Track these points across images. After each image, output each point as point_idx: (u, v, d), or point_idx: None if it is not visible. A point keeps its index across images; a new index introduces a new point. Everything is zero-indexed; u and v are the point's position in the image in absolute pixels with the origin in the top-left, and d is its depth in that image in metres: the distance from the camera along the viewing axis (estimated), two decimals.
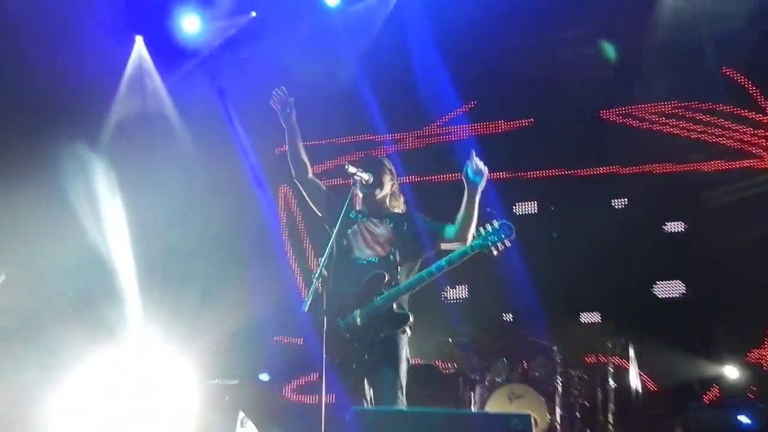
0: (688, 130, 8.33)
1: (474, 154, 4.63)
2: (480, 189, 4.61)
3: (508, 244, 4.55)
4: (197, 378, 6.69)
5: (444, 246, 4.79)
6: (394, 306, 4.61)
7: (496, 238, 4.53)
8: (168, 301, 7.74)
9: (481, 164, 4.60)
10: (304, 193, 5.03)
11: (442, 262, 4.58)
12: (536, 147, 8.65)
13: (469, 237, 4.64)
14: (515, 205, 8.71)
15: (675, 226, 8.29)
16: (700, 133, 8.29)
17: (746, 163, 8.09)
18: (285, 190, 9.38)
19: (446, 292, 8.67)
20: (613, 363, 7.46)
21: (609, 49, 8.36)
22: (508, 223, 4.55)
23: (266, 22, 8.68)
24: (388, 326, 4.61)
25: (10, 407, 5.42)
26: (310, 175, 5.03)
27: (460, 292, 8.80)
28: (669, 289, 8.20)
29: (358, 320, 4.58)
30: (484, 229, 4.56)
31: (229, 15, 8.75)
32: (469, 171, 4.61)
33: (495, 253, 4.55)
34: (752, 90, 8.20)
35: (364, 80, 8.50)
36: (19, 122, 7.58)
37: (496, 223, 4.55)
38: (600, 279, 7.95)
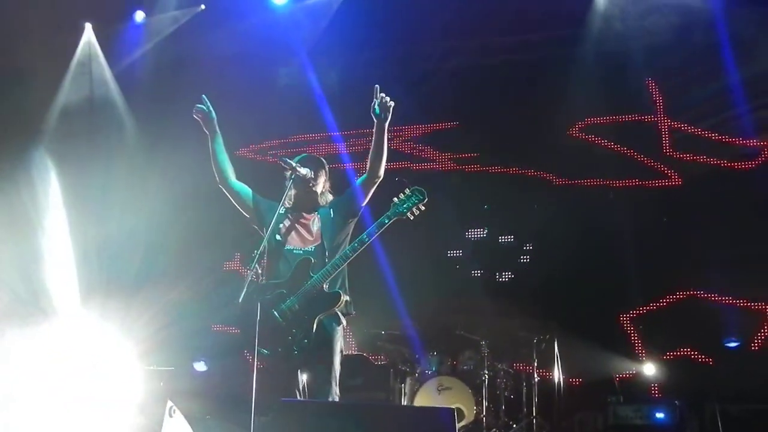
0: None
1: (378, 89, 4.84)
2: (386, 122, 4.87)
3: (422, 207, 4.76)
4: (132, 363, 6.71)
5: (369, 193, 4.98)
6: (325, 287, 4.76)
7: (410, 204, 4.75)
8: (104, 286, 7.73)
9: (387, 99, 4.84)
10: (229, 197, 5.13)
11: (363, 236, 4.76)
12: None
13: (381, 171, 4.92)
14: None
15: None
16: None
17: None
18: None
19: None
20: (538, 358, 7.74)
21: None
22: (420, 188, 4.78)
23: (214, 15, 8.69)
24: (321, 307, 4.74)
25: None
26: (233, 179, 5.11)
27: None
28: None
29: (295, 306, 4.71)
30: (398, 197, 4.76)
31: (177, 6, 8.72)
32: (376, 106, 4.85)
33: (411, 217, 4.77)
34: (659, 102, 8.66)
35: (312, 78, 8.61)
36: None
37: (408, 191, 4.77)
38: None
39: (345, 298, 4.80)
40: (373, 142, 4.95)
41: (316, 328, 4.71)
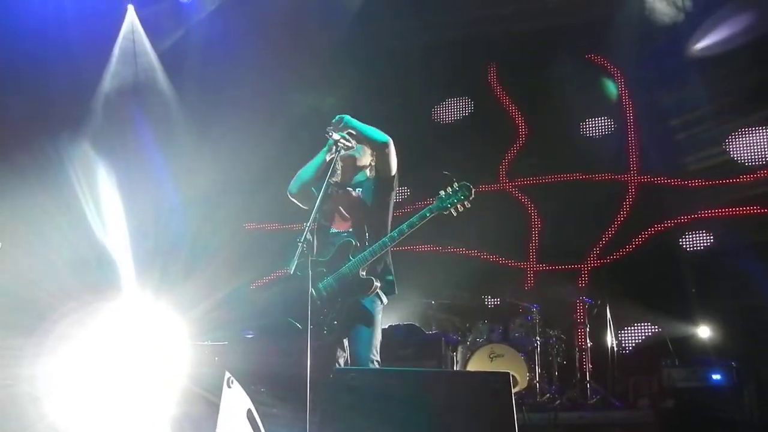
0: None
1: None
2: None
3: (467, 204, 4.68)
4: (187, 339, 6.81)
5: (390, 161, 4.86)
6: (361, 272, 4.72)
7: (455, 200, 4.66)
8: (159, 263, 7.84)
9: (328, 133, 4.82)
10: (299, 204, 5.07)
11: (403, 227, 4.69)
12: None
13: (378, 140, 4.81)
14: None
15: None
16: None
17: None
18: None
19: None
20: (590, 323, 7.70)
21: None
22: (467, 184, 4.68)
23: None
24: (354, 292, 4.72)
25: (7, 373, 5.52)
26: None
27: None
28: None
29: (331, 287, 4.71)
30: (444, 191, 4.68)
31: None
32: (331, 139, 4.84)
33: (455, 213, 4.69)
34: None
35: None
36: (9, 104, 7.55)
37: (455, 185, 4.69)
38: None
39: (377, 285, 4.71)
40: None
41: (353, 307, 4.69)
